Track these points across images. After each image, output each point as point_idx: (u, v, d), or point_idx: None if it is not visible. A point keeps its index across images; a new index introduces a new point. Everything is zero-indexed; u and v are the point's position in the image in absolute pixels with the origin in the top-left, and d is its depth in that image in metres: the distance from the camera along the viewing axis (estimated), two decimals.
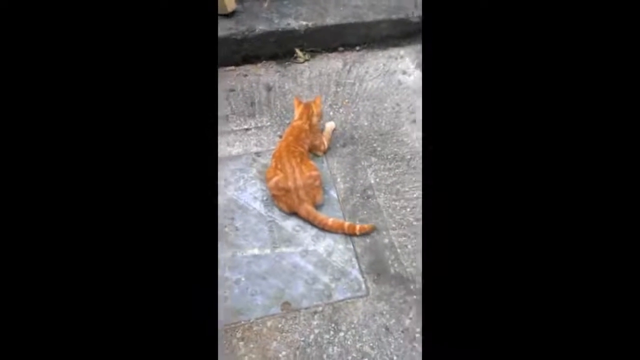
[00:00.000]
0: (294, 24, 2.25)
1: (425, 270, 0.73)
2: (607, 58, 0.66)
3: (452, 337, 0.68)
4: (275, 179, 1.63)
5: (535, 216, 0.67)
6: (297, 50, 2.29)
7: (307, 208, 1.61)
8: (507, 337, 0.67)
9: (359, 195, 1.74)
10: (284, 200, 1.63)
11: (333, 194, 1.74)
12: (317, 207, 1.66)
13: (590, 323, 0.64)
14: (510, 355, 0.66)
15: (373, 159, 1.87)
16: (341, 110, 2.06)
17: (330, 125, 1.93)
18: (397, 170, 1.82)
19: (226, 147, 1.89)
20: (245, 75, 2.19)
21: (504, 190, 0.68)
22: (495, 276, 0.68)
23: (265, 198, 1.72)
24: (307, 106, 1.80)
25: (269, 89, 2.14)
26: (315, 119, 1.79)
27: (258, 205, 1.70)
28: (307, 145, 1.78)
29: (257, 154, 1.87)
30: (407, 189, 1.75)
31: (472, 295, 0.68)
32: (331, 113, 2.04)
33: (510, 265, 0.67)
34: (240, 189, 1.75)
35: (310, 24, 2.26)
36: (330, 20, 2.28)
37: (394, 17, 2.35)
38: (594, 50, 0.66)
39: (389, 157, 1.87)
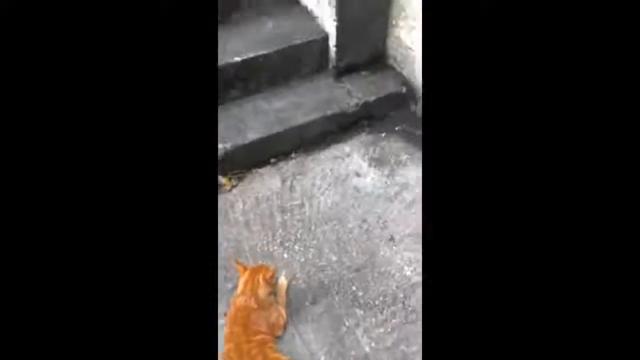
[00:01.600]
0: None
1: None
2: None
3: None
4: None
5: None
6: (220, 178, 1.83)
7: None
8: None
9: None
10: None
11: None
12: None
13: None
14: None
15: (358, 312, 1.39)
16: (297, 246, 1.59)
17: (282, 284, 1.44)
18: (393, 321, 1.36)
19: None
20: None
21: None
22: None
23: None
24: (253, 273, 1.31)
25: None
26: (262, 292, 1.29)
27: None
28: (265, 326, 1.27)
29: None
30: (415, 348, 1.29)
31: None
32: (285, 255, 1.57)
33: None
34: None
35: (228, 145, 1.82)
36: (252, 135, 1.87)
37: (328, 112, 1.99)
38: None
39: (378, 303, 1.41)
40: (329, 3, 2.00)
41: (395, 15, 2.08)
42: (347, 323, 1.37)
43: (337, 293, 1.44)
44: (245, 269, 1.33)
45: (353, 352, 1.30)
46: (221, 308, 1.34)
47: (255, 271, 1.31)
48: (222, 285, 1.46)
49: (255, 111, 1.98)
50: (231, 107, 2.00)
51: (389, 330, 1.34)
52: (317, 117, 1.98)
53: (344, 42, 2.10)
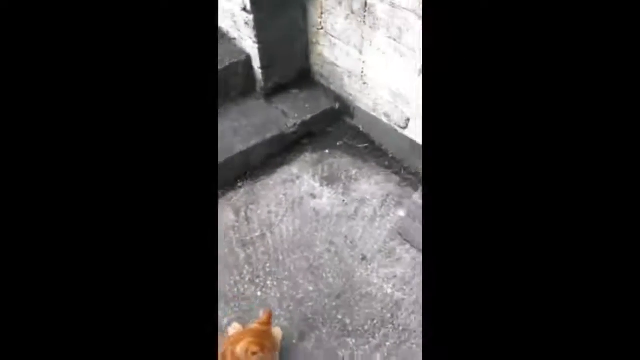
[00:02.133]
0: None
1: None
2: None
3: None
4: None
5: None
6: None
7: None
8: None
9: None
10: None
11: None
12: None
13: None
14: None
15: (350, 341, 1.35)
16: (269, 281, 1.49)
17: (277, 334, 1.27)
18: (388, 344, 1.34)
19: None
20: None
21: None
22: None
23: None
24: (249, 333, 1.16)
25: None
26: (240, 350, 1.12)
27: None
28: None
29: None
30: None
31: None
32: (259, 293, 1.45)
33: None
34: None
35: None
36: None
37: (267, 135, 1.91)
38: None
39: (367, 328, 1.38)
40: (247, 24, 1.93)
41: (314, 32, 2.09)
42: (340, 354, 1.31)
43: (323, 325, 1.38)
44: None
45: None
46: None
47: (254, 334, 1.16)
48: None
49: None
50: None
51: (386, 354, 1.32)
52: (258, 142, 1.89)
53: (268, 63, 2.04)
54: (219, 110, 2.00)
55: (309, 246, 1.60)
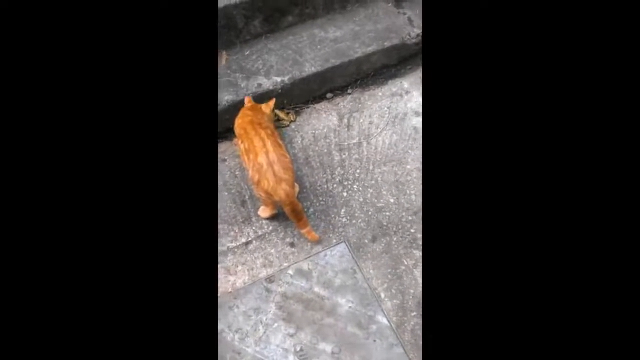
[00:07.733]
0: (266, 82, 1.78)
1: None
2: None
3: None
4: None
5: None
6: (279, 113, 1.82)
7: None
8: None
9: (415, 314, 1.36)
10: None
11: (382, 319, 1.35)
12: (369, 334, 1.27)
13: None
14: None
15: (416, 254, 1.47)
16: (356, 186, 1.63)
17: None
18: None
19: (226, 276, 1.46)
20: (224, 161, 1.73)
21: None
22: None
23: (299, 348, 1.31)
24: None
25: None
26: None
27: None
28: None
29: (270, 279, 1.45)
30: None
31: None
32: (345, 194, 1.61)
33: None
34: (262, 342, 1.33)
35: (286, 78, 1.79)
36: (310, 68, 1.81)
37: (387, 44, 1.89)
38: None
39: None
40: None
41: None
42: (406, 263, 1.45)
43: (395, 234, 1.51)
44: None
45: (412, 291, 1.40)
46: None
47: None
48: (289, 221, 1.55)
49: (312, 41, 1.90)
50: (287, 36, 1.92)
51: None
52: (376, 50, 1.89)
53: None
54: (343, 11, 2.01)
55: (400, 162, 1.67)
